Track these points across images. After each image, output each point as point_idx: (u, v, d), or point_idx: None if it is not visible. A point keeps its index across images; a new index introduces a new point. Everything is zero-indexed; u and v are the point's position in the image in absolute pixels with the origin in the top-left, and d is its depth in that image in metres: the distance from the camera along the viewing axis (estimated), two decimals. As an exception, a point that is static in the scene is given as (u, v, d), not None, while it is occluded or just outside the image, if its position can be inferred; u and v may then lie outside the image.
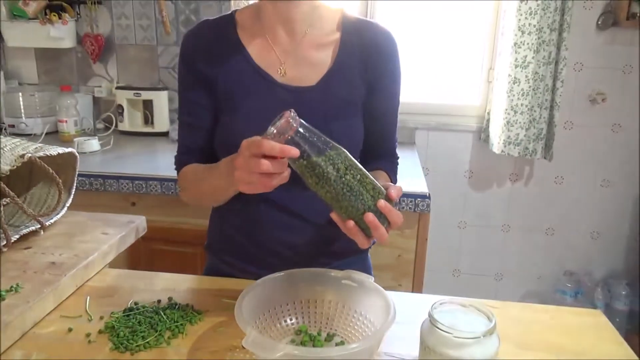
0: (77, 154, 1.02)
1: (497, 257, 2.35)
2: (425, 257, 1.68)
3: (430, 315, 0.63)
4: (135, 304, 0.84)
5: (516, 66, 1.97)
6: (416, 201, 1.59)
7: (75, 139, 1.98)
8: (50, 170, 0.91)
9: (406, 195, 1.59)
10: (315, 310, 0.79)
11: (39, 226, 0.97)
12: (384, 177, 0.98)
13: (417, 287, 1.70)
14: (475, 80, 2.24)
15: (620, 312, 2.20)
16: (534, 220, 2.29)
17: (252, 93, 0.91)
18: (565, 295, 2.25)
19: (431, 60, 2.24)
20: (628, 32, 2.03)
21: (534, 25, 1.91)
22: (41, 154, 0.91)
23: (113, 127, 2.26)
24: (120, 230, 1.01)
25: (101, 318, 0.80)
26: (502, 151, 2.06)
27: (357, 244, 0.72)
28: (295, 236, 0.95)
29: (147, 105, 2.23)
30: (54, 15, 2.14)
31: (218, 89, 0.93)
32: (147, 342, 0.74)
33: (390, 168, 1.02)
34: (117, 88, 2.24)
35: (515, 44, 1.96)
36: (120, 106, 2.20)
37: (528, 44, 1.94)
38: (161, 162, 1.90)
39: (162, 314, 0.80)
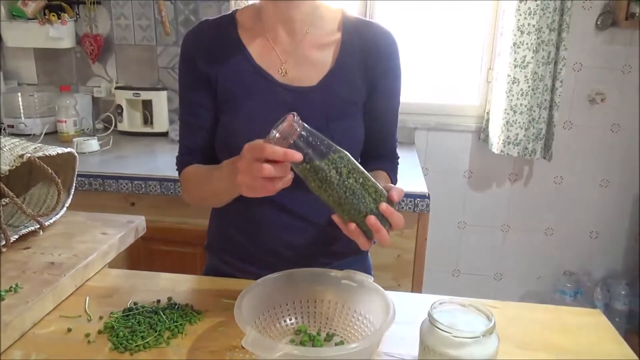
0: (76, 154, 1.02)
1: (496, 257, 2.35)
2: (425, 257, 1.68)
3: (429, 315, 0.63)
4: (135, 304, 0.84)
5: (515, 66, 1.97)
6: (415, 201, 1.59)
7: (75, 139, 1.98)
8: (50, 171, 0.91)
9: (406, 195, 1.58)
10: (315, 310, 0.79)
11: (38, 226, 0.97)
12: (384, 177, 0.98)
13: (416, 287, 1.70)
14: (474, 81, 2.24)
15: (620, 312, 2.20)
16: (534, 220, 2.29)
17: (253, 93, 0.91)
18: (564, 295, 2.25)
19: (430, 60, 2.24)
20: (627, 32, 2.04)
21: (533, 26, 1.92)
22: (40, 154, 0.91)
23: (112, 128, 2.26)
24: (119, 231, 1.01)
25: (100, 318, 0.80)
26: (502, 151, 2.06)
27: (359, 245, 0.72)
28: (295, 236, 0.95)
29: (147, 105, 2.23)
30: (53, 15, 2.14)
31: (218, 89, 0.93)
32: (147, 342, 0.74)
33: (391, 168, 1.02)
34: (117, 88, 2.24)
35: (514, 44, 1.96)
36: (119, 106, 2.20)
37: (527, 44, 1.94)
38: (160, 162, 1.89)
39: (162, 314, 0.80)
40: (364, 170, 0.71)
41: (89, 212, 1.09)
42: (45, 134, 2.16)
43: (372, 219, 0.68)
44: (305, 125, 0.67)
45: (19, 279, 0.82)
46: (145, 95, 2.19)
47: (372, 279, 0.77)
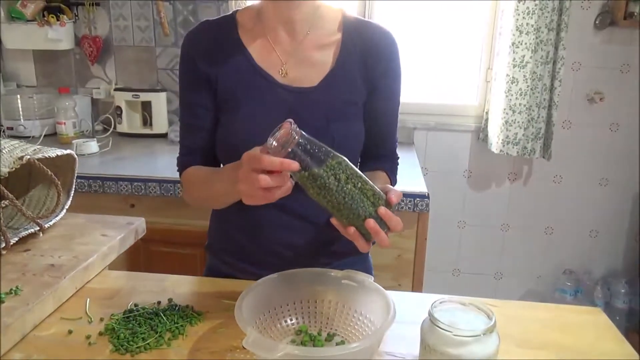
0: (75, 156, 1.02)
1: (496, 257, 2.35)
2: (425, 257, 1.68)
3: (430, 314, 0.63)
4: (135, 305, 0.84)
5: (514, 66, 1.98)
6: (415, 201, 1.59)
7: (74, 141, 1.98)
8: (49, 172, 0.91)
9: (405, 195, 1.59)
10: (316, 310, 0.79)
11: (38, 228, 0.97)
12: (383, 177, 0.98)
13: (416, 286, 1.70)
14: (473, 80, 2.24)
15: (620, 310, 2.20)
16: (533, 220, 2.29)
17: (253, 94, 0.91)
18: (565, 294, 2.25)
19: (429, 60, 2.24)
20: (626, 31, 2.04)
21: (532, 25, 1.92)
22: (40, 155, 0.91)
23: (112, 129, 2.26)
24: (119, 232, 1.01)
25: (101, 320, 0.80)
26: (501, 151, 2.06)
27: (358, 248, 0.72)
28: (295, 236, 0.95)
29: (146, 106, 2.22)
30: (52, 17, 2.14)
31: (219, 90, 0.93)
32: (148, 344, 0.74)
33: (390, 168, 1.02)
34: (116, 90, 2.24)
35: (513, 43, 1.96)
36: (118, 108, 2.20)
37: (526, 43, 1.94)
38: (160, 163, 1.89)
39: (162, 315, 0.80)
40: (361, 174, 0.71)
41: (89, 213, 1.09)
42: (45, 135, 2.16)
43: (371, 223, 0.69)
44: (303, 132, 0.68)
45: (19, 281, 0.82)
46: (144, 96, 2.19)
47: (373, 278, 0.77)
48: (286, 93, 0.91)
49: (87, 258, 0.91)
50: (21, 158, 0.87)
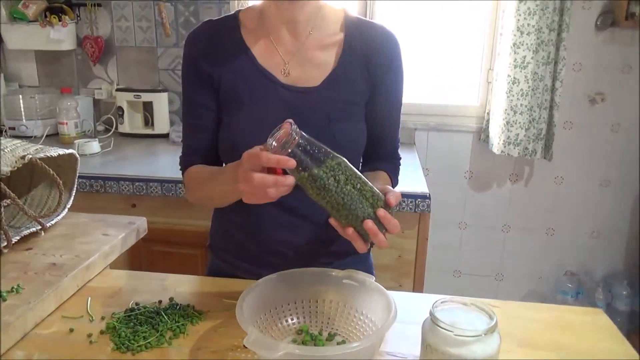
0: (77, 155, 1.02)
1: (497, 258, 2.35)
2: (426, 258, 1.68)
3: (431, 314, 0.63)
4: (137, 304, 0.84)
5: (515, 66, 1.98)
6: (416, 202, 1.59)
7: (76, 141, 1.98)
8: (51, 172, 0.91)
9: (406, 195, 1.59)
10: (317, 309, 0.79)
11: (40, 227, 0.97)
12: (384, 178, 0.98)
13: (417, 287, 1.70)
14: (474, 81, 2.24)
15: (621, 312, 2.20)
16: (534, 221, 2.29)
17: (256, 94, 0.91)
18: (566, 296, 2.25)
19: (431, 60, 2.24)
20: (627, 32, 2.04)
21: (533, 26, 1.92)
22: (42, 155, 0.91)
23: (113, 129, 2.26)
24: (121, 232, 1.01)
25: (102, 318, 0.80)
26: (502, 151, 2.06)
27: (356, 248, 0.72)
28: (296, 236, 0.95)
29: (147, 107, 2.23)
30: (54, 17, 2.14)
31: (221, 90, 0.93)
32: (149, 343, 0.74)
33: (392, 169, 1.02)
34: (117, 90, 2.24)
35: (514, 44, 1.96)
36: (120, 108, 2.21)
37: (527, 44, 1.94)
38: (161, 163, 1.90)
39: (163, 314, 0.80)
40: (361, 175, 0.71)
41: (90, 213, 1.09)
42: (46, 136, 2.16)
43: (369, 224, 0.70)
44: (303, 133, 0.68)
45: (21, 279, 0.82)
46: (146, 97, 2.20)
47: (374, 278, 0.77)
48: (288, 93, 0.91)
49: (89, 257, 0.91)
50: (23, 157, 0.87)
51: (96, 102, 2.35)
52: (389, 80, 0.95)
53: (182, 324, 0.78)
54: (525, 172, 2.25)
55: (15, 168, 0.86)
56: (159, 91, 2.22)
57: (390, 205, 0.71)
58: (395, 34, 0.95)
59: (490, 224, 2.31)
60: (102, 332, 0.77)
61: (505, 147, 2.05)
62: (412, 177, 1.76)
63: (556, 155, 2.09)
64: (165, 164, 1.87)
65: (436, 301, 0.65)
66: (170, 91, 2.26)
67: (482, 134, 2.20)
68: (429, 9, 2.19)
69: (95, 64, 2.30)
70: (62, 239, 0.97)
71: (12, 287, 0.79)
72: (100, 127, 2.32)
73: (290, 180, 0.69)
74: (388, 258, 1.67)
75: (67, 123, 2.11)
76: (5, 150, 0.87)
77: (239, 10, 0.97)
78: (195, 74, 0.94)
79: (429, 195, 1.60)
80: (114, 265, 0.99)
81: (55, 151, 0.95)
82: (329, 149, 0.70)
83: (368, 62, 0.93)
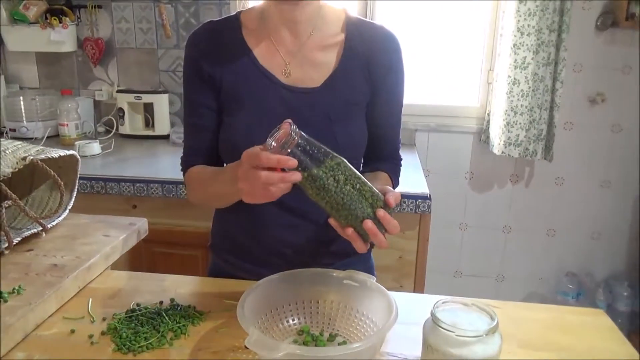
0: (78, 157, 1.02)
1: (498, 259, 2.35)
2: (427, 259, 1.68)
3: (432, 314, 0.63)
4: (138, 305, 0.84)
5: (515, 67, 1.98)
6: (417, 202, 1.59)
7: (77, 143, 1.98)
8: (52, 173, 0.92)
9: (407, 196, 1.59)
10: (318, 310, 0.79)
11: (41, 228, 0.97)
12: (384, 179, 0.98)
13: (418, 288, 1.70)
14: (475, 82, 2.24)
15: (622, 313, 2.19)
16: (535, 222, 2.29)
17: (257, 94, 0.92)
18: (566, 297, 2.25)
19: (431, 61, 2.24)
20: (627, 32, 2.04)
21: (533, 27, 1.92)
22: (43, 156, 0.91)
23: (114, 131, 2.26)
24: (122, 232, 1.01)
25: (104, 319, 0.80)
26: (503, 152, 2.06)
27: (356, 248, 0.72)
28: (298, 236, 0.95)
29: (148, 108, 2.23)
30: (55, 19, 2.15)
31: (222, 90, 0.93)
32: (150, 343, 0.74)
33: (392, 170, 1.02)
34: (118, 91, 2.24)
35: (514, 45, 1.96)
36: (121, 109, 2.21)
37: (527, 45, 1.94)
38: (162, 165, 1.90)
39: (164, 315, 0.80)
40: (360, 175, 0.72)
41: (91, 214, 1.09)
42: (47, 137, 2.17)
43: (369, 224, 0.70)
44: (302, 133, 0.68)
45: (22, 280, 0.82)
46: (146, 98, 2.20)
47: (375, 279, 0.77)
48: (289, 94, 0.91)
49: (90, 258, 0.91)
50: (24, 158, 0.87)
51: (97, 104, 2.35)
52: (389, 80, 0.96)
53: (183, 325, 0.78)
54: (526, 173, 2.24)
55: (17, 169, 0.86)
56: (160, 92, 2.22)
57: (389, 205, 0.71)
58: (396, 35, 0.96)
59: (490, 224, 2.31)
60: (103, 333, 0.77)
61: (505, 147, 2.05)
62: (412, 178, 1.76)
63: (557, 156, 2.09)
64: (165, 165, 1.88)
65: (437, 301, 0.65)
66: (170, 92, 2.26)
67: (482, 135, 2.20)
68: (429, 10, 2.19)
69: (96, 66, 2.31)
70: (63, 240, 0.97)
71: (13, 288, 0.79)
72: (101, 129, 2.32)
73: (297, 175, 0.68)
74: (389, 259, 1.67)
75: (67, 124, 2.11)
76: (6, 151, 0.87)
77: (240, 11, 0.97)
78: (197, 74, 0.94)
79: (430, 196, 1.60)
80: (115, 266, 0.99)
81: (56, 152, 0.95)
82: (328, 149, 0.70)
83: (369, 62, 0.93)
